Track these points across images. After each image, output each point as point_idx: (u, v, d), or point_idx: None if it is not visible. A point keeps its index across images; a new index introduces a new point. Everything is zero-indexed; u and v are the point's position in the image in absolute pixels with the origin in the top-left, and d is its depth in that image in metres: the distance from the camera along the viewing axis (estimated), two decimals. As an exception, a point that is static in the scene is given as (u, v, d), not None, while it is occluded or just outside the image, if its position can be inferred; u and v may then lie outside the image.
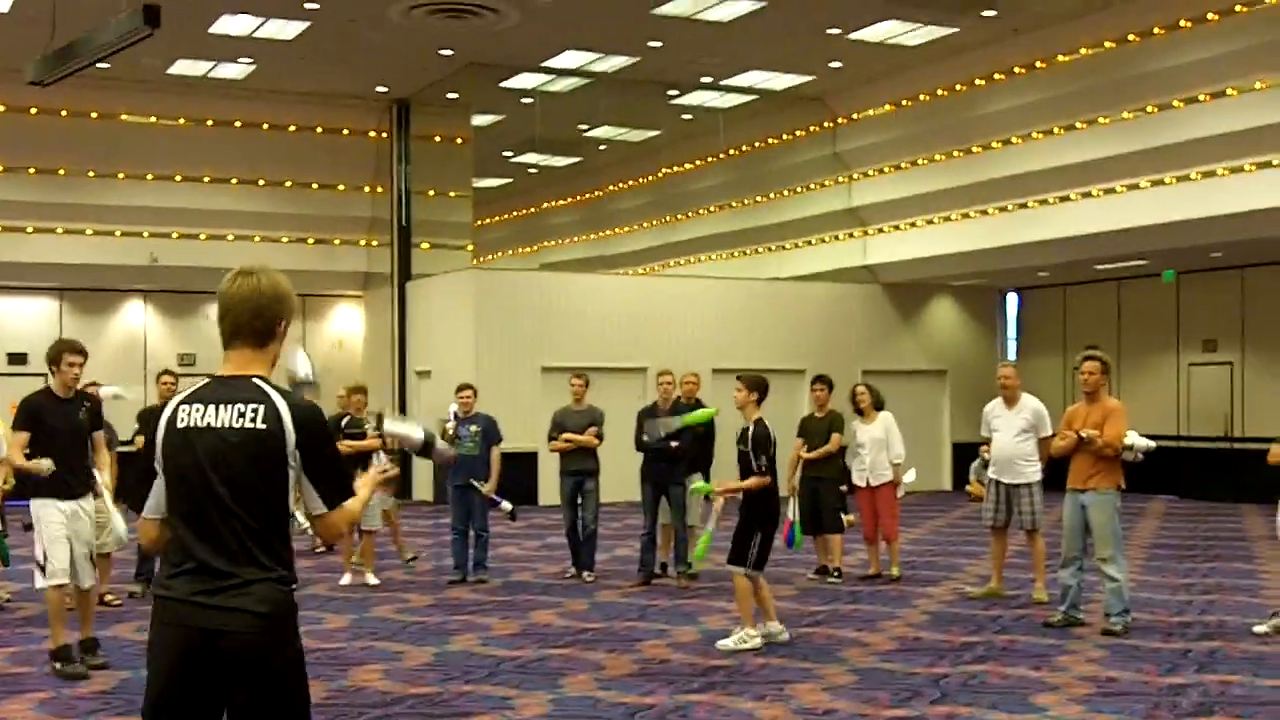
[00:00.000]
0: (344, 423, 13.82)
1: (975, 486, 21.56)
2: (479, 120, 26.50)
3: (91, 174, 23.50)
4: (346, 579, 13.44)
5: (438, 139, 25.84)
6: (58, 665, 8.99)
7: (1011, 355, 27.13)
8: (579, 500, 13.59)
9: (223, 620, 3.87)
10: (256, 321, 4.12)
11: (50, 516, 9.06)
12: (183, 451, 4.01)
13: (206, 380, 4.16)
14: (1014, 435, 11.90)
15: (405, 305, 25.38)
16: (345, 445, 13.51)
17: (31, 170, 23.17)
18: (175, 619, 3.93)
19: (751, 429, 10.05)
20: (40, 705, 8.12)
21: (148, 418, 12.02)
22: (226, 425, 3.99)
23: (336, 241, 25.74)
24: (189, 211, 23.90)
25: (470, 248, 26.17)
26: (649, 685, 8.49)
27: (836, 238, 25.91)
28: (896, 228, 24.65)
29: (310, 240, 25.37)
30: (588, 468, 13.63)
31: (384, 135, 25.68)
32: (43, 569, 9.04)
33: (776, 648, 9.78)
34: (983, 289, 26.90)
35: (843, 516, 13.44)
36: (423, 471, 23.72)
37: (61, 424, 9.19)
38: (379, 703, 8.14)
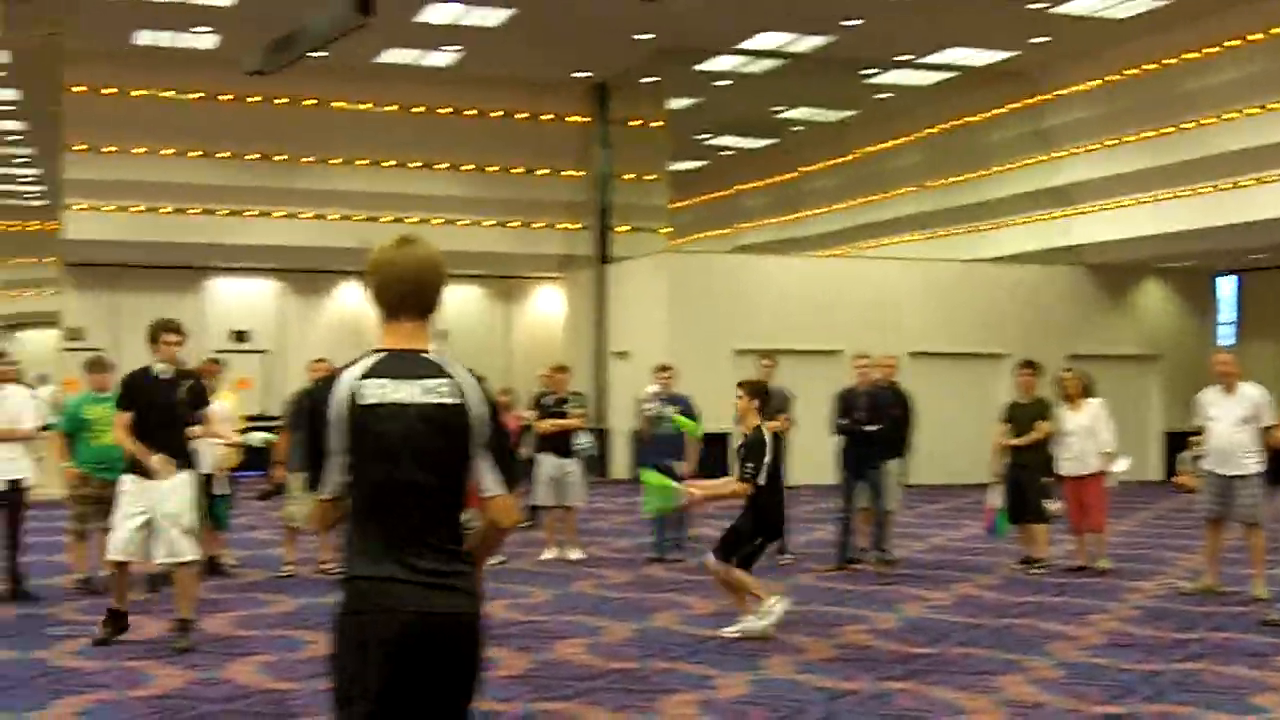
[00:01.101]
0: (547, 401, 14.04)
1: (1186, 477, 20.99)
2: (675, 103, 26.64)
3: (308, 160, 24.39)
4: (549, 554, 13.72)
5: (635, 123, 26.07)
6: (99, 627, 9.27)
7: (1227, 340, 26.27)
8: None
9: (437, 601, 3.75)
10: (425, 292, 3.93)
11: (128, 491, 9.17)
12: (371, 429, 3.76)
13: (377, 354, 3.87)
14: (1232, 424, 11.39)
15: (604, 287, 25.69)
16: (548, 424, 13.79)
17: (252, 156, 24.17)
18: (376, 603, 3.72)
19: (749, 435, 9.80)
20: (264, 668, 8.49)
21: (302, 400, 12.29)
22: (414, 401, 3.78)
23: (538, 225, 26.19)
24: (398, 196, 24.63)
25: (666, 231, 26.37)
26: (849, 670, 8.51)
27: (1039, 217, 25.39)
28: (1103, 207, 24.06)
29: (514, 224, 25.90)
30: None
31: (584, 119, 26.02)
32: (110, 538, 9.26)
33: (983, 638, 9.66)
34: (1194, 271, 26.11)
35: (1046, 506, 13.20)
36: (620, 451, 24.01)
37: (157, 401, 9.25)
38: (581, 676, 8.32)
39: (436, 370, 3.86)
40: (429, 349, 3.91)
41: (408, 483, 3.77)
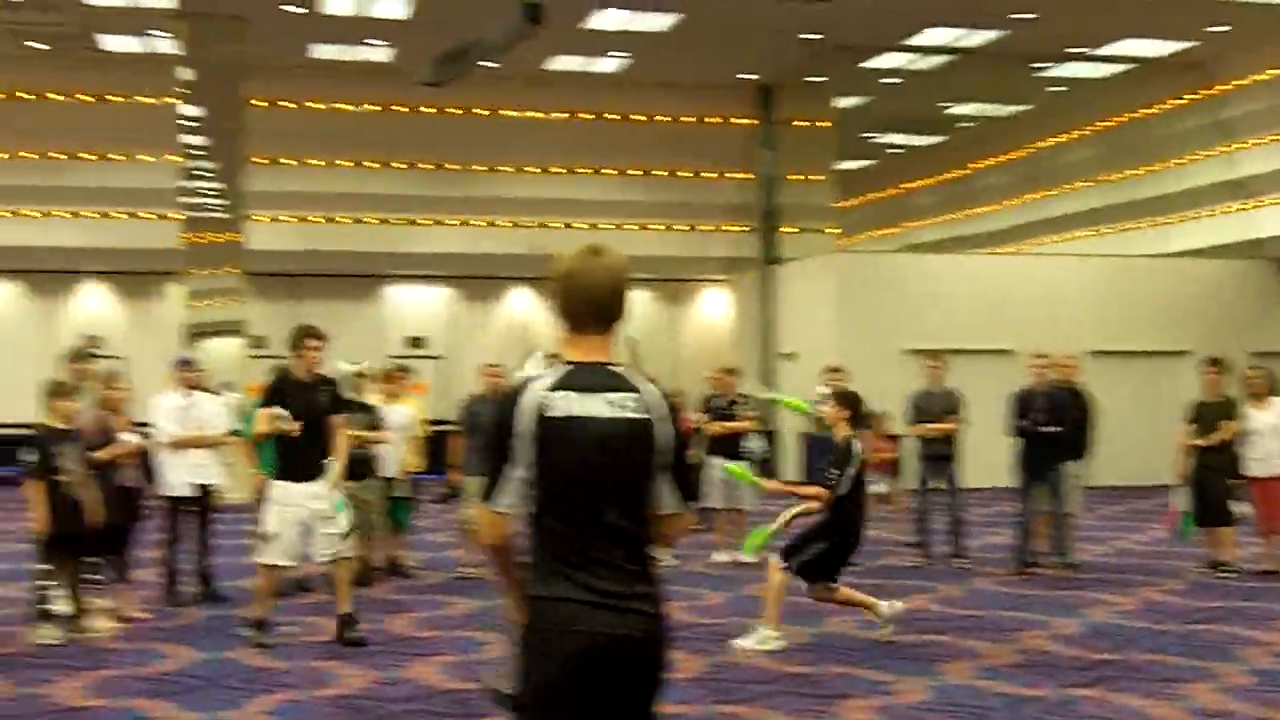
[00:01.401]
0: (716, 403, 14.06)
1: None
2: (842, 102, 26.48)
3: (479, 168, 24.83)
4: (722, 556, 13.75)
5: (801, 123, 25.98)
6: (250, 633, 9.38)
7: None
8: (940, 485, 13.44)
9: (624, 623, 3.69)
10: (613, 304, 3.85)
11: (280, 499, 9.31)
12: (561, 444, 3.69)
13: (564, 366, 3.81)
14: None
15: (771, 289, 25.64)
16: (718, 426, 13.82)
17: (425, 166, 24.70)
18: (566, 623, 3.67)
19: (838, 444, 9.62)
20: (445, 668, 8.66)
21: (476, 408, 12.53)
22: (601, 416, 3.72)
23: (705, 228, 26.27)
24: (567, 202, 24.94)
25: (834, 231, 26.22)
26: (1031, 677, 8.37)
27: (1220, 210, 24.67)
28: (1286, 199, 23.32)
29: (681, 227, 26.02)
30: (948, 452, 13.44)
31: (750, 122, 26.02)
32: (264, 542, 9.40)
33: (1169, 644, 9.44)
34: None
35: (1233, 508, 12.80)
36: (789, 452, 23.95)
37: (301, 407, 9.37)
38: (759, 679, 8.34)
39: (624, 384, 3.79)
40: (615, 362, 3.85)
41: (590, 500, 3.72)
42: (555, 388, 3.74)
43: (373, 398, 12.53)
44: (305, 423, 9.36)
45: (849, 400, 9.79)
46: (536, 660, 3.72)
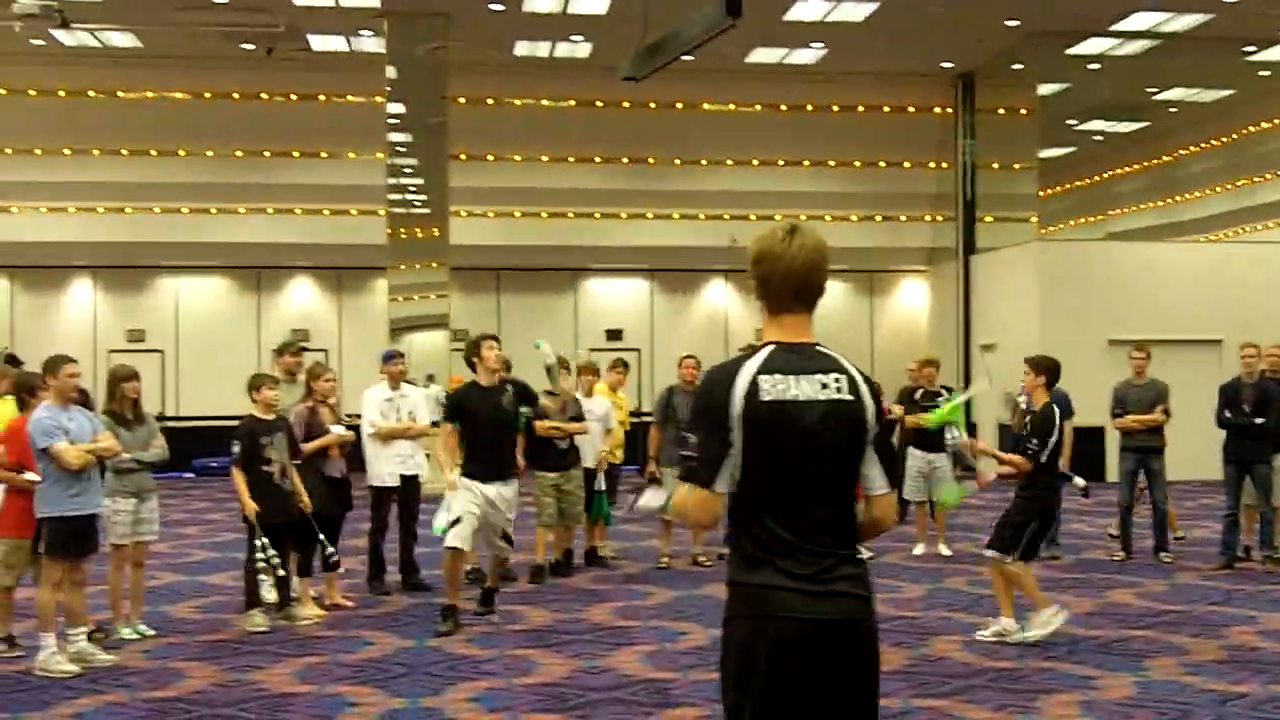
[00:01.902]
0: (917, 395, 14.02)
1: None
2: (1044, 89, 25.99)
3: (677, 161, 25.05)
4: (920, 549, 13.71)
5: (1002, 111, 25.62)
6: (439, 620, 9.78)
7: None
8: (1146, 479, 13.17)
9: (835, 609, 3.63)
10: (815, 283, 3.83)
11: (467, 488, 9.69)
12: (772, 427, 3.64)
13: (767, 347, 3.78)
14: None
15: (970, 279, 25.35)
16: (919, 418, 13.74)
17: (624, 160, 25.00)
18: (774, 610, 3.61)
19: (1037, 412, 9.43)
20: (645, 657, 8.83)
21: (673, 400, 12.77)
22: (813, 398, 3.67)
23: (903, 218, 26.12)
24: (765, 194, 24.93)
25: (1035, 220, 25.76)
26: (1239, 674, 8.23)
27: None
28: None
29: (878, 217, 25.90)
30: (1153, 445, 13.14)
31: (949, 110, 25.79)
32: (452, 525, 9.71)
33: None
34: None
35: None
36: (988, 444, 23.62)
37: (484, 411, 9.72)
38: (960, 673, 8.34)
39: (832, 364, 3.77)
40: (818, 343, 3.82)
41: (801, 482, 3.67)
42: (765, 370, 3.70)
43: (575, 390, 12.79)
44: (489, 427, 9.75)
45: (1045, 367, 9.66)
46: (744, 649, 3.64)
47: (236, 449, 9.82)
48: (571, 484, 12.22)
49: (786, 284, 3.80)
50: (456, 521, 9.64)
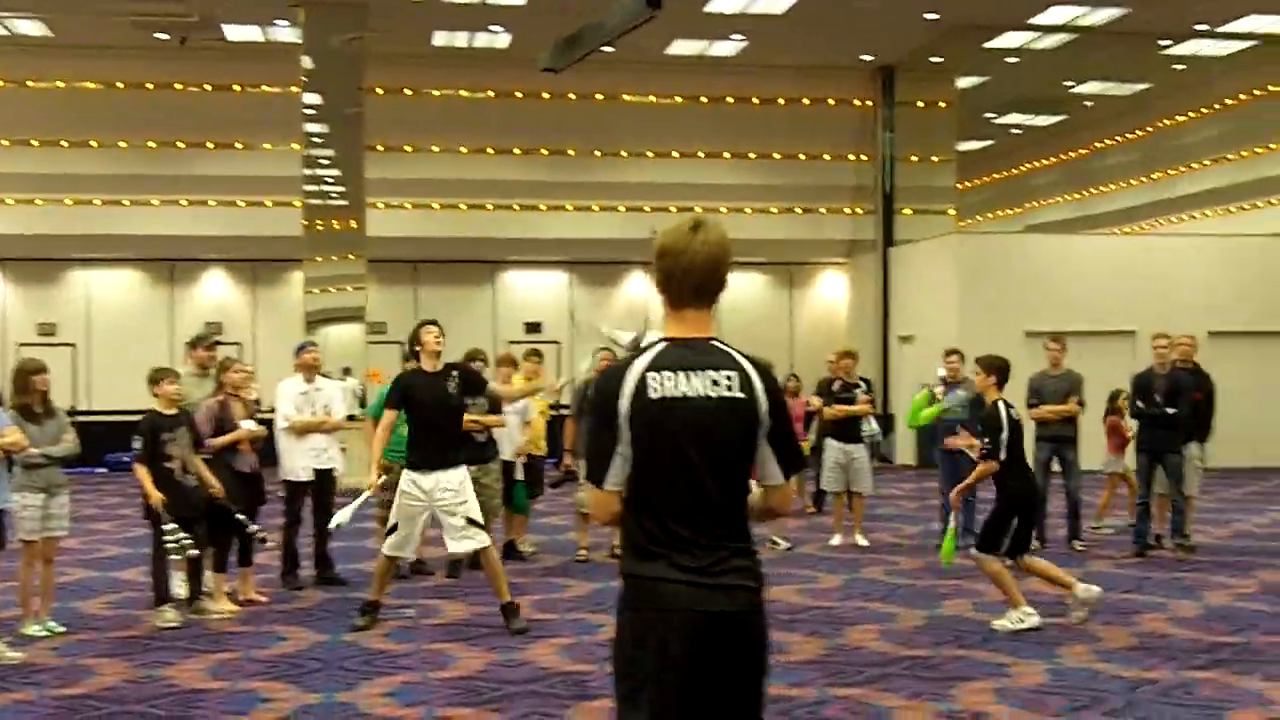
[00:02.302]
0: (834, 386, 14.05)
1: None
2: (963, 83, 26.22)
3: (597, 153, 25.00)
4: (837, 539, 13.75)
5: (921, 104, 25.80)
6: (357, 614, 9.59)
7: None
8: (1060, 468, 13.26)
9: (720, 601, 3.67)
10: (717, 279, 3.81)
11: (406, 490, 9.43)
12: (660, 423, 3.68)
13: (659, 344, 3.80)
14: None
15: (889, 271, 25.50)
16: (836, 409, 13.79)
17: (544, 151, 24.91)
18: (666, 603, 3.66)
19: (985, 411, 9.65)
20: (562, 650, 8.77)
21: (591, 392, 12.67)
22: (703, 394, 3.69)
23: (822, 210, 26.22)
24: (685, 186, 24.99)
25: (953, 212, 25.97)
26: (1150, 660, 8.30)
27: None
28: None
29: (798, 210, 25.99)
30: (1067, 435, 13.23)
31: (868, 103, 25.91)
32: (389, 533, 9.54)
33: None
34: None
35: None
36: (904, 436, 23.81)
37: (429, 397, 9.49)
38: (875, 662, 8.35)
39: (725, 360, 3.77)
40: (715, 337, 3.82)
41: (689, 478, 3.68)
42: (655, 367, 3.73)
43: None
44: (433, 413, 9.49)
45: (994, 366, 9.78)
46: (637, 640, 3.71)
47: (138, 444, 9.70)
48: (489, 477, 12.12)
49: (688, 279, 3.78)
50: (394, 529, 9.49)
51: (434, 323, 9.79)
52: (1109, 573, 11.79)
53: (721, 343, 3.81)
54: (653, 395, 3.68)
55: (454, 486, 9.44)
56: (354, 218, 21.77)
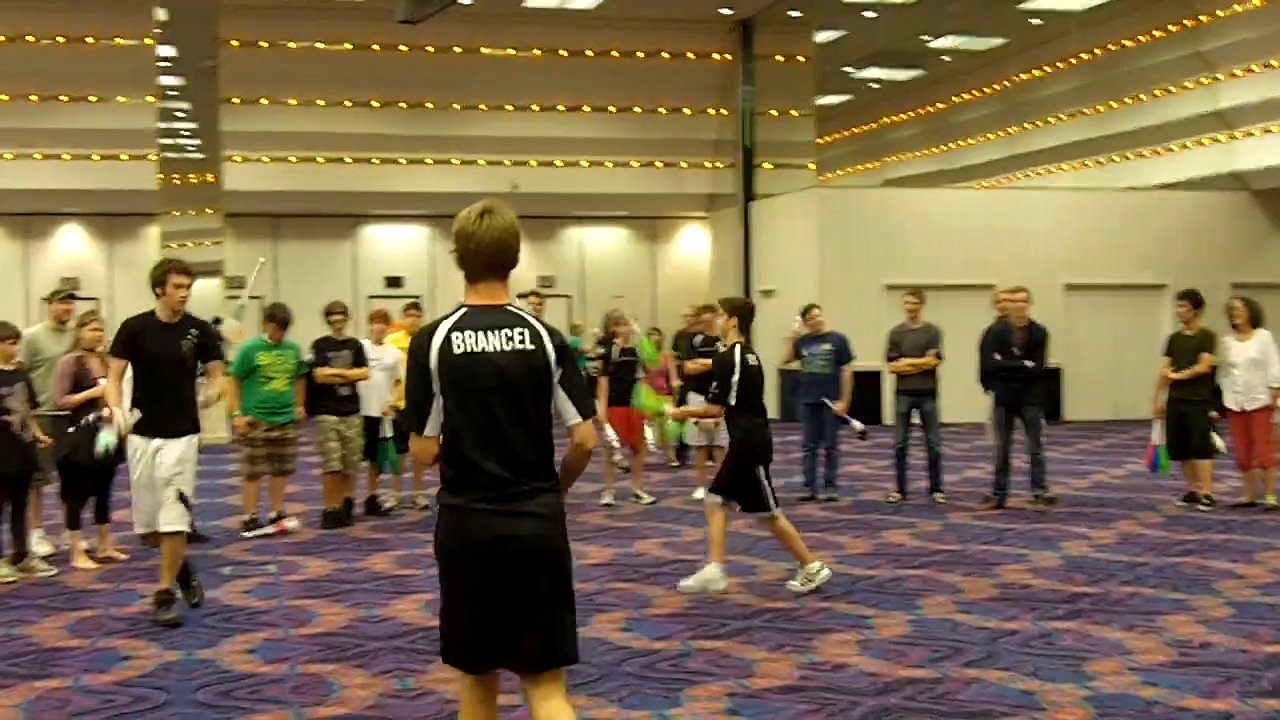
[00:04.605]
0: (696, 340, 14.05)
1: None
2: (821, 37, 26.33)
3: (456, 106, 24.71)
4: (700, 493, 13.74)
5: (780, 58, 25.89)
6: (155, 608, 8.34)
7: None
8: (920, 421, 13.41)
9: (514, 526, 4.39)
10: (506, 256, 4.52)
11: (136, 462, 8.27)
12: (465, 375, 4.41)
13: (462, 309, 4.51)
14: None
15: (750, 225, 25.60)
16: (697, 364, 13.79)
17: (402, 105, 24.55)
18: (469, 527, 4.42)
19: (720, 353, 9.43)
20: (425, 605, 8.62)
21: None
22: (499, 349, 4.43)
23: (683, 164, 26.22)
24: (545, 140, 24.83)
25: (813, 166, 26.15)
26: (1011, 610, 8.42)
27: (1200, 143, 24.62)
28: (1268, 130, 23.21)
29: (658, 164, 25.94)
30: (926, 388, 13.35)
31: (728, 57, 25.92)
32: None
33: (1148, 577, 9.48)
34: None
35: (1214, 441, 12.80)
36: (766, 389, 23.99)
37: (160, 351, 8.22)
38: (738, 615, 8.37)
39: (517, 321, 4.51)
40: (508, 303, 4.53)
41: (493, 420, 4.42)
42: (457, 327, 4.47)
43: (360, 337, 12.56)
44: (165, 370, 8.22)
45: (736, 307, 9.45)
46: (447, 555, 4.50)
47: None
48: (352, 430, 12.02)
49: (479, 258, 4.51)
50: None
51: (186, 270, 8.44)
52: (969, 525, 11.98)
53: (515, 307, 4.54)
54: (456, 351, 4.42)
55: (170, 460, 8.18)
56: (210, 171, 21.26)
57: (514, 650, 4.45)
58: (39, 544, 10.29)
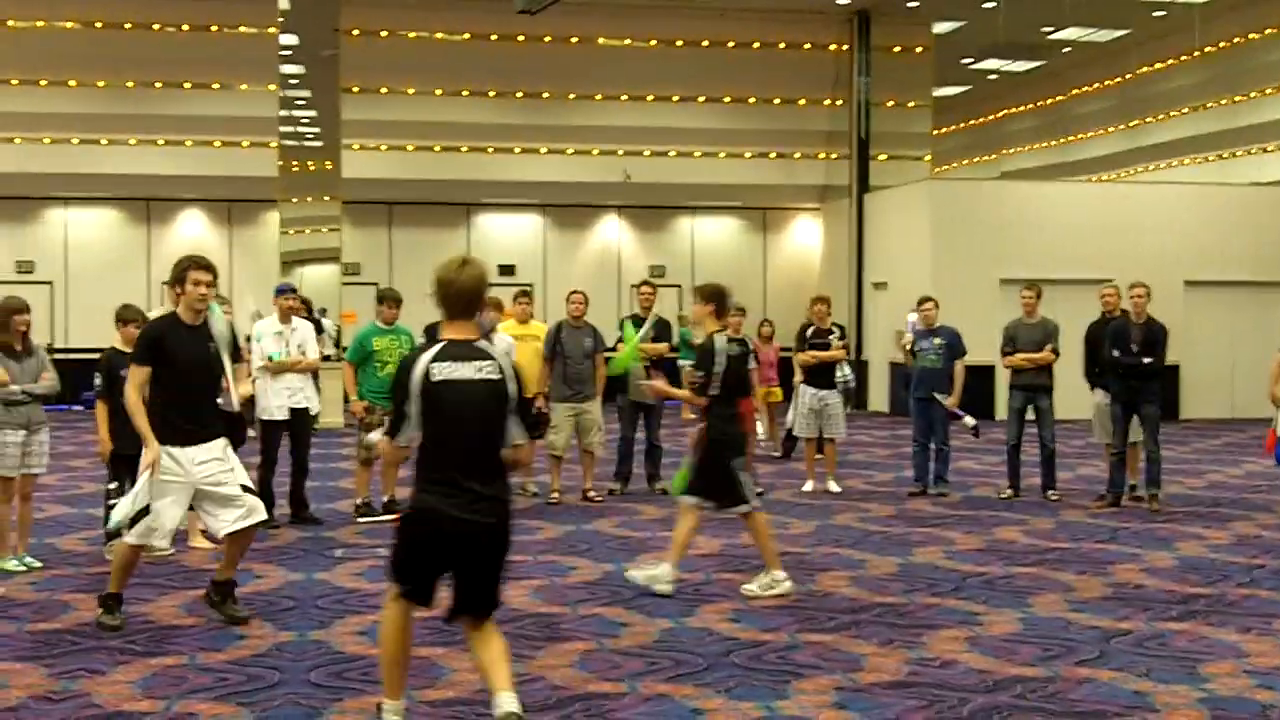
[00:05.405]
0: (809, 332, 14.01)
1: None
2: (939, 28, 26.09)
3: (571, 96, 24.84)
4: (810, 485, 13.77)
5: (897, 49, 25.70)
6: (101, 611, 7.87)
7: None
8: (1034, 417, 13.24)
9: (475, 514, 5.43)
10: (477, 300, 5.57)
11: (166, 470, 7.57)
12: (442, 398, 5.38)
13: (441, 343, 5.46)
14: None
15: (863, 217, 25.46)
16: (809, 355, 13.78)
17: (518, 94, 24.72)
18: (436, 520, 5.44)
19: (700, 343, 9.02)
20: (535, 592, 8.69)
21: (562, 335, 12.76)
22: (470, 378, 5.43)
23: (796, 155, 26.13)
24: (659, 130, 24.87)
25: (928, 158, 25.93)
26: (1124, 610, 8.32)
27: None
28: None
29: (772, 154, 25.89)
30: (1041, 383, 13.20)
31: (844, 48, 25.78)
32: (132, 522, 7.65)
33: (1264, 579, 9.34)
34: None
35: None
36: (877, 383, 23.88)
37: (188, 355, 7.68)
38: (846, 609, 8.36)
39: (484, 355, 5.52)
40: (477, 339, 5.55)
41: (463, 434, 5.45)
42: (437, 359, 5.44)
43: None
44: (191, 374, 7.69)
45: (711, 294, 9.02)
46: (415, 536, 5.55)
47: (99, 381, 9.73)
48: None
49: (459, 300, 5.53)
50: (144, 512, 7.62)
51: (207, 267, 7.87)
52: (1083, 523, 11.85)
53: (484, 343, 5.58)
54: (434, 378, 5.41)
55: (218, 455, 7.76)
56: (329, 159, 21.64)
57: (466, 602, 5.61)
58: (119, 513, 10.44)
